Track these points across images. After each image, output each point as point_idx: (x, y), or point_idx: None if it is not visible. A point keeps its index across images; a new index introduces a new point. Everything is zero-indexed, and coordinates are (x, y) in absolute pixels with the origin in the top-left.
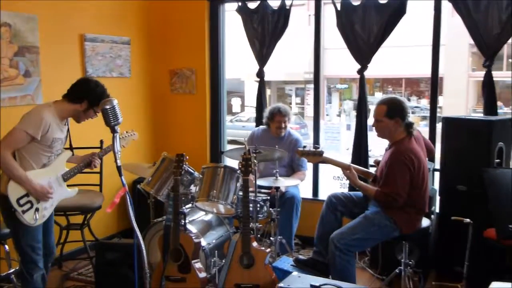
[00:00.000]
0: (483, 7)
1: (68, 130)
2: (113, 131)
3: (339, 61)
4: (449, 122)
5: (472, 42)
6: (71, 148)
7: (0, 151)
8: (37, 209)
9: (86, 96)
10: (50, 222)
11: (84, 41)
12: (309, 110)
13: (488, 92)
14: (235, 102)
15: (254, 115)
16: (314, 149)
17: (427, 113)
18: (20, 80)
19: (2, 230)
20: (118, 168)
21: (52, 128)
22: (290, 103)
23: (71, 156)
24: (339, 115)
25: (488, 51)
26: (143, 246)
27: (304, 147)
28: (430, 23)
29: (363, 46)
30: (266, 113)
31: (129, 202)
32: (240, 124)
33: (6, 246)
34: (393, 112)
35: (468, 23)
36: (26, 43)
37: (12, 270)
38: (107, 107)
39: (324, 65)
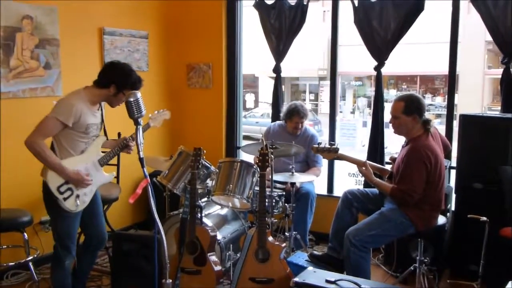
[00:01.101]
0: (502, 4)
1: (102, 115)
2: (136, 123)
3: (353, 58)
4: (466, 120)
5: (488, 39)
6: (105, 133)
7: (32, 139)
8: (77, 196)
9: (113, 80)
10: (98, 209)
11: (103, 35)
12: (323, 107)
13: (506, 89)
14: (249, 98)
15: (268, 111)
16: (329, 146)
17: (442, 111)
18: (41, 72)
19: (21, 218)
20: (141, 160)
21: (84, 114)
22: (304, 99)
23: (105, 141)
24: (352, 112)
25: (507, 49)
26: (164, 237)
27: (320, 143)
28: (445, 20)
29: (380, 43)
30: (284, 110)
31: (150, 194)
32: (253, 120)
33: (25, 234)
34: (411, 108)
35: (486, 20)
36: (46, 35)
37: (30, 258)
38: (131, 99)
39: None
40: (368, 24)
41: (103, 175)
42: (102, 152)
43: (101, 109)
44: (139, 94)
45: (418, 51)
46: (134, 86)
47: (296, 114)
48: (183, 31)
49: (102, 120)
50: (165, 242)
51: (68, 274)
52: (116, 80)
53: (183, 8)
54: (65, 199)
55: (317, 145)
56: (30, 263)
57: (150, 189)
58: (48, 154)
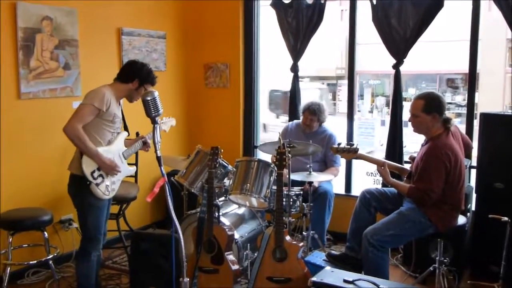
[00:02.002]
0: None
1: (122, 111)
2: (154, 122)
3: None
4: (487, 118)
5: (509, 37)
6: (126, 128)
7: (71, 125)
8: (107, 185)
9: (137, 74)
10: (109, 206)
11: (121, 35)
12: (341, 106)
13: None
14: None
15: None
16: (349, 146)
17: (462, 110)
18: (60, 72)
19: (42, 217)
20: (158, 159)
21: (112, 104)
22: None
23: (125, 138)
24: (371, 111)
25: None
26: (181, 236)
27: (339, 144)
28: (465, 18)
29: (399, 41)
30: (301, 106)
31: (168, 192)
32: None
33: (45, 233)
34: (431, 107)
35: (508, 18)
36: (66, 36)
37: (50, 256)
38: (148, 98)
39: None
40: (386, 22)
41: (127, 168)
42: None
43: (121, 106)
44: (156, 93)
45: (438, 49)
46: (154, 81)
47: (307, 109)
48: (200, 31)
49: (123, 116)
50: (182, 240)
51: (94, 267)
52: (139, 75)
53: (200, 8)
54: (97, 184)
55: (336, 146)
56: (51, 262)
57: (167, 187)
58: (87, 139)
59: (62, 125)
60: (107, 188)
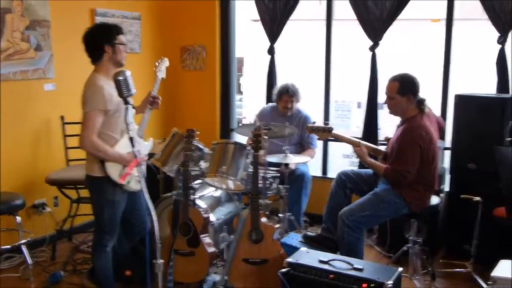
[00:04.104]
0: None
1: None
2: (126, 102)
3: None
4: (461, 100)
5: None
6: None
7: (88, 140)
8: (136, 175)
9: (102, 41)
10: (139, 196)
11: (95, 16)
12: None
13: (501, 69)
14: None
15: None
16: (324, 126)
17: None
18: (32, 54)
19: (14, 202)
20: (131, 139)
21: (111, 93)
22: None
23: (135, 111)
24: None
25: (502, 27)
26: (155, 218)
27: (314, 123)
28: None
29: (375, 22)
30: (275, 90)
31: (142, 174)
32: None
33: (18, 217)
34: (405, 89)
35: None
36: (37, 16)
37: (23, 241)
38: (120, 78)
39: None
40: (363, 3)
41: (145, 145)
42: None
43: None
44: (128, 72)
45: (414, 29)
46: (119, 30)
47: (285, 93)
48: (176, 12)
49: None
50: (156, 222)
51: (110, 258)
52: (102, 39)
53: None
54: (128, 182)
55: (311, 125)
56: (23, 247)
57: (141, 168)
58: (107, 148)
59: (34, 108)
60: (136, 179)
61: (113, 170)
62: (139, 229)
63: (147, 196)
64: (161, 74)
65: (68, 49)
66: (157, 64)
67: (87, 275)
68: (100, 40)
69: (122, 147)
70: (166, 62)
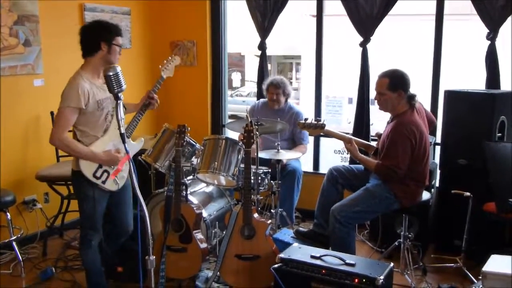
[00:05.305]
0: None
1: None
2: (117, 98)
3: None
4: (451, 95)
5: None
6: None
7: (56, 136)
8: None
9: (100, 38)
10: (125, 197)
11: (84, 11)
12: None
13: (491, 65)
14: (235, 77)
15: (254, 90)
16: (316, 122)
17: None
18: (20, 49)
19: (4, 198)
20: (122, 135)
21: (93, 92)
22: (291, 78)
23: (126, 110)
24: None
25: (491, 23)
26: (146, 213)
27: (306, 119)
28: None
29: (366, 18)
30: (263, 85)
31: (132, 169)
32: (240, 99)
33: (8, 214)
34: (396, 84)
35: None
36: (25, 11)
37: (13, 238)
38: (110, 73)
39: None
40: (353, 0)
41: (133, 145)
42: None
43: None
44: (118, 68)
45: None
46: (119, 32)
47: (270, 85)
48: (166, 6)
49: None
50: (148, 218)
51: (96, 252)
52: (102, 36)
53: None
54: (104, 182)
55: (303, 121)
56: (14, 243)
57: (132, 164)
58: (77, 145)
59: (23, 104)
60: (115, 180)
61: (86, 167)
62: (122, 231)
63: (137, 187)
64: (167, 73)
65: (57, 44)
66: (165, 62)
67: None
68: (98, 36)
69: (99, 146)
70: (177, 61)
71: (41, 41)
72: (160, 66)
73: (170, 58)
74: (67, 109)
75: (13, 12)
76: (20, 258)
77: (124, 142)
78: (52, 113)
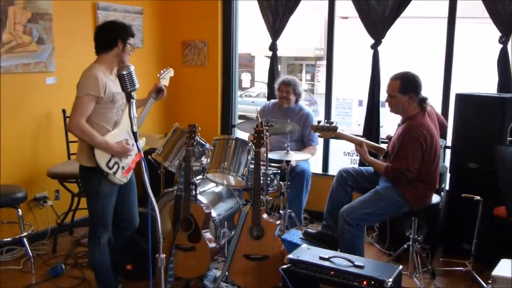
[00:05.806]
0: None
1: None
2: (130, 97)
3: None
4: (461, 99)
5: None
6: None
7: (75, 121)
8: (122, 167)
9: (116, 35)
10: (130, 192)
11: (97, 10)
12: (320, 87)
13: (502, 68)
14: (245, 77)
15: (264, 91)
16: (328, 124)
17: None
18: (34, 47)
19: (15, 194)
20: (134, 134)
21: (108, 84)
22: (300, 79)
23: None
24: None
25: (504, 27)
26: (158, 213)
27: (319, 122)
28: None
29: (378, 20)
30: (275, 84)
31: (144, 168)
32: (249, 99)
33: (19, 210)
34: (407, 87)
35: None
36: (39, 9)
37: (24, 234)
38: (124, 72)
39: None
40: (365, 1)
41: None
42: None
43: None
44: (132, 67)
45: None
46: (133, 33)
47: (282, 83)
48: (178, 6)
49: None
50: (158, 217)
51: (105, 250)
52: (118, 34)
53: None
54: (114, 173)
55: (316, 124)
56: (25, 239)
57: (143, 163)
58: (94, 133)
59: (35, 101)
60: (123, 170)
61: (101, 157)
62: (129, 226)
63: (148, 186)
64: (164, 82)
65: (69, 42)
66: (162, 71)
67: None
68: (116, 34)
69: (111, 138)
70: (171, 72)
71: (54, 39)
72: (158, 75)
73: (165, 69)
74: (86, 97)
75: (27, 10)
76: (31, 254)
77: (136, 141)
78: (64, 111)
